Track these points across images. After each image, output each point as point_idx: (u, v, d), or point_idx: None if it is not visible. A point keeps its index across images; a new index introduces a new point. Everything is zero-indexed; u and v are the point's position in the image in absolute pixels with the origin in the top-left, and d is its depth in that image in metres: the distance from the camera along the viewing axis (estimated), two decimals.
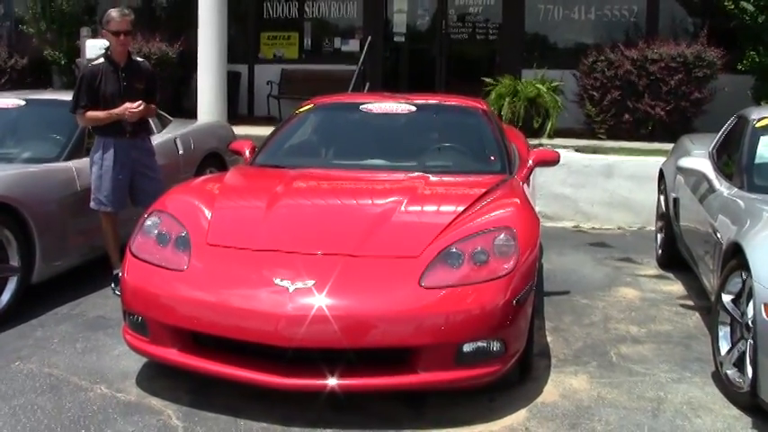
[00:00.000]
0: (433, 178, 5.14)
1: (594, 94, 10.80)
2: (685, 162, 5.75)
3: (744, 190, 5.10)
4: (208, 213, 4.56)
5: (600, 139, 10.62)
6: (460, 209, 4.50)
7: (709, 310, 5.60)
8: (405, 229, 4.44)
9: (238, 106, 13.05)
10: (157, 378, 4.40)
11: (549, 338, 5.18)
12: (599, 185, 9.12)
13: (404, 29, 13.46)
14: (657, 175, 7.62)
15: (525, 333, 4.20)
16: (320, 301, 3.83)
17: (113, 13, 5.90)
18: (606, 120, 10.74)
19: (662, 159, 8.64)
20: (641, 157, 9.35)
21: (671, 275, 6.78)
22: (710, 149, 6.30)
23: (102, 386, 4.33)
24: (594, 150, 9.71)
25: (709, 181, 5.52)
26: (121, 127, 5.89)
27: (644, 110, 10.53)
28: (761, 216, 4.44)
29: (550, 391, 4.36)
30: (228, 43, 11.50)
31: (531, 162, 5.87)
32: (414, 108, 6.09)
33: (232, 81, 12.31)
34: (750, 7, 10.25)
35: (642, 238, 8.24)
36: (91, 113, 5.82)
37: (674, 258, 6.86)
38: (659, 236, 7.36)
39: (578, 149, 9.68)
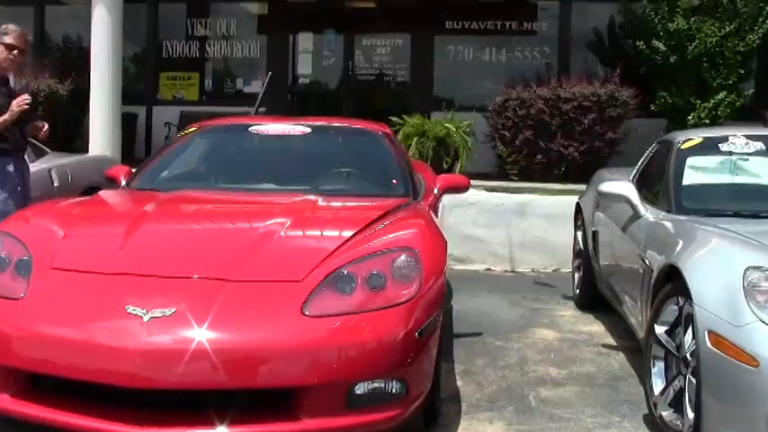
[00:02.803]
0: (321, 202, 4.49)
1: (506, 133, 10.35)
2: (607, 187, 5.25)
3: (672, 213, 4.61)
4: (60, 235, 3.84)
5: (512, 180, 10.16)
6: (353, 231, 3.85)
7: (634, 350, 5.13)
8: (287, 251, 3.79)
9: (135, 149, 12.27)
10: None
11: (459, 382, 4.57)
12: (512, 226, 8.61)
13: (309, 69, 12.93)
14: (574, 210, 7.13)
15: (430, 372, 3.57)
16: (180, 333, 3.15)
17: (12, 26, 5.59)
18: (518, 160, 10.29)
19: (577, 198, 8.26)
20: (556, 196, 8.89)
21: (591, 316, 6.27)
22: (631, 178, 5.84)
23: None
24: (506, 190, 9.24)
25: (633, 206, 5.03)
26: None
27: (557, 150, 10.11)
28: (695, 235, 3.94)
29: None
30: (126, 83, 10.88)
31: (437, 189, 5.30)
32: (308, 129, 5.48)
33: (128, 123, 11.59)
34: (662, 47, 10.02)
35: (558, 279, 7.75)
36: None
37: (594, 298, 6.38)
38: (576, 275, 6.86)
39: (490, 190, 9.19)
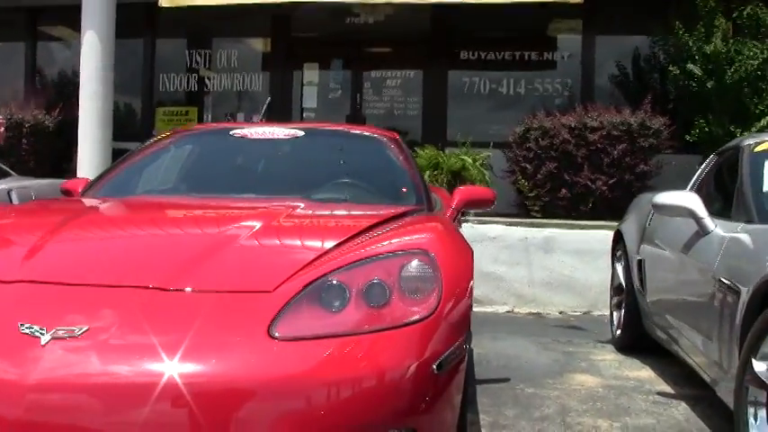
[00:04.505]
0: (303, 208, 3.49)
1: (527, 166, 9.44)
2: (665, 198, 4.31)
3: (755, 222, 3.68)
4: None
5: (534, 217, 9.22)
6: (345, 237, 2.85)
7: (698, 399, 4.19)
8: (252, 257, 2.83)
9: None
10: None
11: None
12: (536, 263, 7.66)
13: (314, 103, 12.08)
14: (612, 240, 6.19)
15: (453, 424, 2.60)
16: (91, 361, 2.22)
17: None
18: (540, 195, 9.35)
19: (608, 233, 7.34)
20: (585, 231, 7.95)
21: (636, 360, 5.29)
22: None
23: None
24: (529, 227, 8.29)
25: (699, 221, 4.11)
26: None
27: (583, 184, 9.18)
28: None
29: None
30: (120, 119, 10.18)
31: (455, 203, 4.35)
32: (301, 133, 4.56)
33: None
34: (697, 71, 9.14)
35: (590, 323, 6.78)
36: None
37: (639, 340, 5.45)
38: (616, 314, 5.90)
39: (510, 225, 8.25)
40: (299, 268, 2.57)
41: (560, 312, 7.33)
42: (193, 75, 12.33)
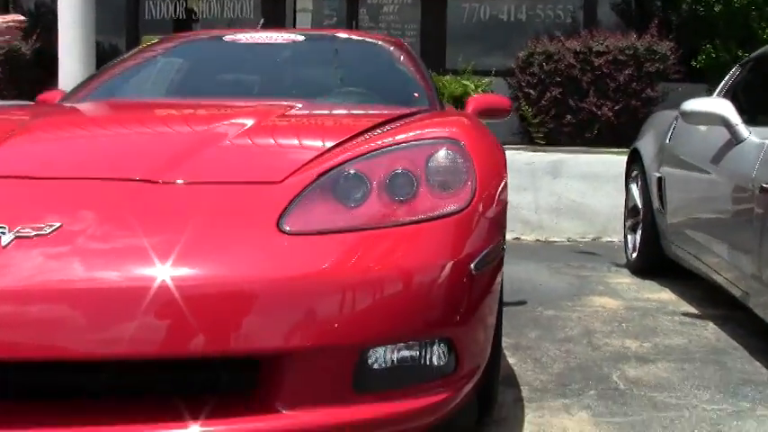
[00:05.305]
0: (301, 108, 3.10)
1: (531, 92, 9.15)
2: (694, 105, 4.04)
3: None
4: None
5: (538, 144, 8.94)
6: (359, 130, 2.49)
7: (726, 318, 3.97)
8: (255, 149, 2.51)
9: None
10: None
11: (511, 360, 3.36)
12: (543, 188, 7.37)
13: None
14: (627, 160, 5.91)
15: (490, 336, 2.32)
16: (65, 263, 1.88)
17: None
18: (545, 122, 9.07)
19: (618, 158, 7.10)
20: (593, 156, 7.67)
21: (654, 283, 5.04)
22: None
23: None
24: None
25: (732, 128, 3.85)
26: None
27: (588, 110, 8.90)
28: None
29: None
30: (103, 50, 9.78)
31: (470, 111, 4.04)
32: (301, 38, 4.23)
33: None
34: None
35: (602, 248, 6.52)
36: None
37: (657, 262, 5.19)
38: (630, 237, 5.63)
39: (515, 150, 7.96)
40: (309, 159, 2.24)
41: (568, 239, 7.06)
42: (181, 1, 11.90)
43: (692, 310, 4.34)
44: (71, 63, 8.84)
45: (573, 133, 8.97)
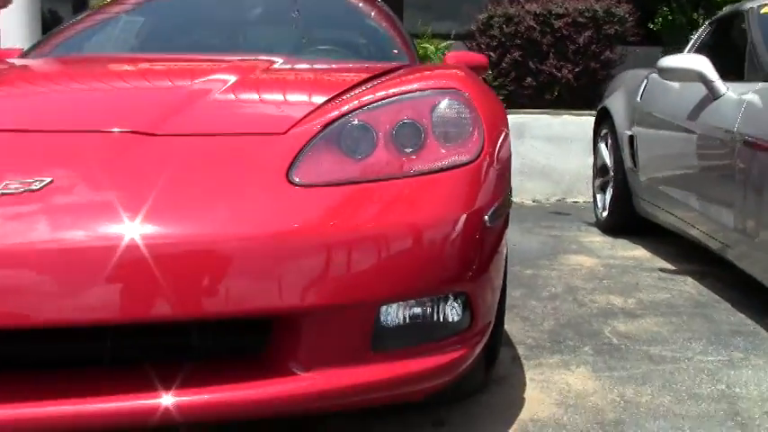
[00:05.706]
0: (281, 63, 2.97)
1: (491, 54, 9.08)
2: (672, 61, 4.05)
3: None
4: None
5: None
6: (353, 83, 2.41)
7: (703, 274, 4.00)
8: (247, 102, 2.43)
9: None
10: None
11: None
12: None
13: None
14: (595, 119, 5.93)
15: (498, 291, 2.29)
16: (57, 220, 1.77)
17: None
18: (505, 84, 9.04)
19: (583, 120, 7.15)
20: (556, 117, 7.69)
21: (626, 241, 5.09)
22: None
23: None
24: None
25: (709, 84, 3.86)
26: None
27: (548, 72, 8.89)
28: None
29: (539, 398, 2.52)
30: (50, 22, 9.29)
31: None
32: None
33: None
34: None
35: (569, 209, 6.57)
36: None
37: (628, 221, 5.22)
38: (600, 196, 5.66)
39: None
40: (309, 111, 2.16)
41: (533, 201, 7.10)
42: None
43: (669, 266, 4.38)
44: (16, 29, 8.60)
45: (533, 95, 8.97)
